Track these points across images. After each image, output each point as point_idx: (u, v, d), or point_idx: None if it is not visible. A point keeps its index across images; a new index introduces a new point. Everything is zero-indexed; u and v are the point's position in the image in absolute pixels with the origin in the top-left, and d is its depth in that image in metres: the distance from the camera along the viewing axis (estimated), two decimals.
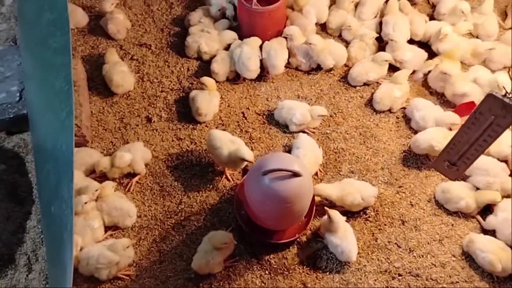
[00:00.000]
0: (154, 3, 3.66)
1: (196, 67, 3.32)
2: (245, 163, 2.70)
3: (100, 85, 3.20)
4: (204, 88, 3.04)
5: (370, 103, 3.18)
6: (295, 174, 2.24)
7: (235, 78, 3.25)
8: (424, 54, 3.23)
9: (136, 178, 2.82)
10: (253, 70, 3.14)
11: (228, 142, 2.74)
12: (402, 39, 3.21)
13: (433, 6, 3.55)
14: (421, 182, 2.87)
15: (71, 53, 1.88)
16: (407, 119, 3.09)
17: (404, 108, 3.11)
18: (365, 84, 3.22)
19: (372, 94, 3.16)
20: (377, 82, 3.19)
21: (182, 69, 3.33)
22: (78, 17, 3.46)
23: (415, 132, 3.01)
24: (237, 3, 3.33)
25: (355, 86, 3.23)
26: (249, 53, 3.12)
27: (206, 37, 3.27)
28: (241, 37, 3.33)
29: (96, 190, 2.62)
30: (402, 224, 2.70)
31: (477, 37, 3.42)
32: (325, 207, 2.57)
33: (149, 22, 3.57)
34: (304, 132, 3.03)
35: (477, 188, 2.72)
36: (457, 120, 2.88)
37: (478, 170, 2.72)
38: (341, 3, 3.41)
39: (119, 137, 3.05)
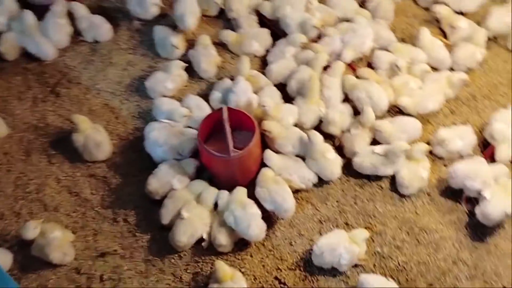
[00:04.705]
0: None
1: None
2: None
3: None
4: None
5: (392, 189, 2.76)
6: None
7: (244, 240, 2.56)
8: (418, 125, 2.87)
9: None
10: (257, 234, 2.49)
11: None
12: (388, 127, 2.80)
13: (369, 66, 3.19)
14: (498, 259, 2.55)
15: None
16: (444, 189, 2.73)
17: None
18: None
19: (392, 179, 2.75)
20: None
21: (175, 261, 2.54)
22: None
23: (455, 199, 2.69)
24: (202, 155, 2.64)
25: (368, 179, 2.79)
26: (246, 218, 2.46)
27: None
28: (214, 184, 2.67)
29: None
30: None
31: (434, 69, 3.18)
32: None
33: None
34: (356, 265, 2.51)
35: None
36: None
37: None
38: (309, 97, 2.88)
39: None
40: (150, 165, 2.81)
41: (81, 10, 3.32)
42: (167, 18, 3.40)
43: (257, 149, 2.66)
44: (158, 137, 2.75)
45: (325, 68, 3.05)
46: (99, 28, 3.32)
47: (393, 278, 2.47)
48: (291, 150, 2.72)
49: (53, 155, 2.90)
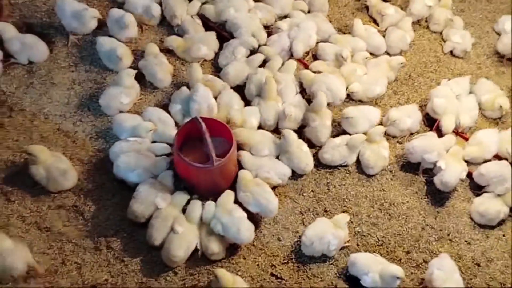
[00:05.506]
0: None
1: None
2: None
3: None
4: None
5: (359, 172, 2.96)
6: None
7: (234, 244, 2.60)
8: (377, 112, 3.08)
9: None
10: (248, 236, 2.54)
11: None
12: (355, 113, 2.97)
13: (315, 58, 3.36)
14: (457, 218, 2.88)
15: None
16: (403, 164, 2.99)
17: None
18: None
19: (357, 163, 2.95)
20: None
21: (171, 278, 2.50)
22: None
23: (413, 172, 2.96)
24: (180, 167, 2.62)
25: (335, 166, 2.96)
26: (234, 223, 2.50)
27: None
28: (191, 193, 2.67)
29: None
30: None
31: (371, 54, 3.43)
32: None
33: None
34: (342, 248, 2.68)
35: None
36: None
37: None
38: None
39: None
40: (121, 185, 2.73)
41: (9, 31, 3.05)
42: (104, 30, 3.26)
43: (234, 153, 2.70)
44: (128, 161, 2.66)
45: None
46: (33, 48, 3.08)
47: (373, 250, 2.68)
48: (267, 153, 2.81)
49: (10, 192, 2.68)
